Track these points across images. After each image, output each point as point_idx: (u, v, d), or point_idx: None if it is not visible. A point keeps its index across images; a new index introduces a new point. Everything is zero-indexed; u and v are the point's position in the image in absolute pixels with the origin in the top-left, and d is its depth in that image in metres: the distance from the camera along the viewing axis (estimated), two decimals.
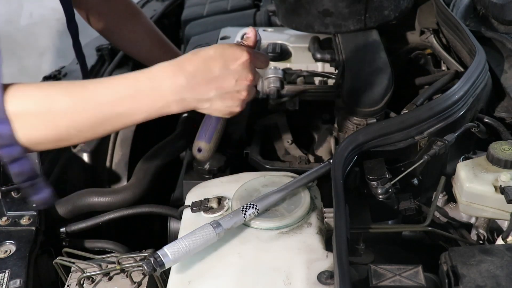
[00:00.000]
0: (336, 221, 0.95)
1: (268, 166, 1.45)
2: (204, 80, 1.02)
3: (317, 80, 1.66)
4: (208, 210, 1.11)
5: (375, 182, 1.12)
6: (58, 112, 1.00)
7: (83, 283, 1.13)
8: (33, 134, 1.01)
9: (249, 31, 1.14)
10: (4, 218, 1.25)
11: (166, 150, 1.48)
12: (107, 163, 1.68)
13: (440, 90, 1.37)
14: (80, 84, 1.04)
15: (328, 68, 1.66)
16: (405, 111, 1.28)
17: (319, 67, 1.68)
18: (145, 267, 0.94)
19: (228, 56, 1.02)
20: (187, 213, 1.14)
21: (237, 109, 1.08)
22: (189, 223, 1.11)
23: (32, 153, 1.36)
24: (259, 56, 1.09)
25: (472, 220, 1.20)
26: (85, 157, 1.60)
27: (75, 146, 1.61)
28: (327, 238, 1.03)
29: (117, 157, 1.70)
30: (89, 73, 1.71)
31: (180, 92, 1.02)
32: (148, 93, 1.02)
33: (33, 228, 1.22)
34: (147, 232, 1.67)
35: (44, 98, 1.00)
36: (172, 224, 1.38)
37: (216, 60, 1.02)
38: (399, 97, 1.38)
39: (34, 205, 1.24)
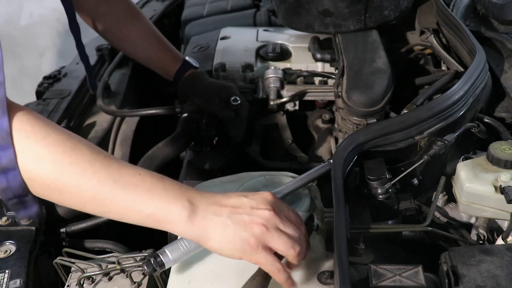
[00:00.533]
0: (336, 221, 0.95)
1: (268, 166, 1.45)
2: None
3: (317, 80, 1.66)
4: None
5: (375, 182, 1.12)
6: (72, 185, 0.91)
7: (83, 283, 1.13)
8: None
9: None
10: (4, 218, 1.25)
11: (166, 150, 1.47)
12: None
13: (440, 90, 1.37)
14: (108, 166, 0.92)
15: (328, 68, 1.66)
16: (405, 111, 1.28)
17: (319, 67, 1.68)
18: (145, 268, 0.94)
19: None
20: None
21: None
22: None
23: None
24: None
25: (472, 220, 1.20)
26: None
27: None
28: (327, 238, 1.03)
29: (117, 157, 1.70)
30: (93, 73, 1.71)
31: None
32: (156, 223, 0.95)
33: (33, 228, 1.22)
34: (147, 232, 1.67)
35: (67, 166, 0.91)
36: None
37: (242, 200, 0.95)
38: (399, 97, 1.38)
39: (21, 221, 1.20)
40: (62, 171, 0.90)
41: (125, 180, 0.92)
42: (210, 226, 0.90)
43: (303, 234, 0.94)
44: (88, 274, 1.13)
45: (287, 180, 1.15)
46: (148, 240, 1.47)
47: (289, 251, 0.90)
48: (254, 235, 0.89)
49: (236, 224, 0.89)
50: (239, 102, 1.45)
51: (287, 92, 1.63)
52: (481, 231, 1.14)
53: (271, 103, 1.62)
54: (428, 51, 1.62)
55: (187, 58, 1.58)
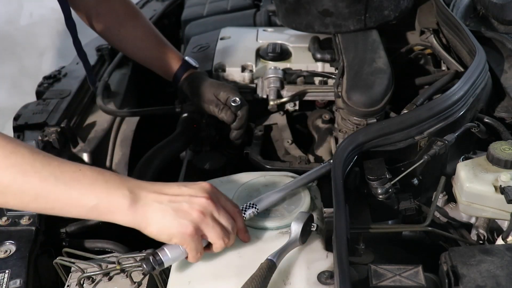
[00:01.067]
0: (336, 221, 0.95)
1: (268, 166, 1.45)
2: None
3: (317, 80, 1.66)
4: None
5: (375, 182, 1.12)
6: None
7: (83, 283, 1.13)
8: None
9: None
10: (4, 218, 1.25)
11: (166, 150, 1.47)
12: (107, 163, 1.68)
13: (440, 90, 1.37)
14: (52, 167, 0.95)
15: (328, 68, 1.66)
16: (405, 111, 1.28)
17: (319, 67, 1.68)
18: (144, 266, 0.94)
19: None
20: None
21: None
22: None
23: None
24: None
25: (472, 220, 1.20)
26: (85, 157, 1.60)
27: (75, 146, 1.61)
28: (327, 238, 1.03)
29: (117, 157, 1.70)
30: (92, 71, 1.70)
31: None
32: (99, 214, 0.97)
33: (33, 228, 1.22)
34: None
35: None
36: None
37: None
38: (399, 97, 1.38)
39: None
40: (3, 173, 0.92)
41: (67, 176, 0.95)
42: (150, 212, 0.95)
43: (236, 225, 1.00)
44: (88, 274, 1.13)
45: (287, 180, 1.16)
46: (148, 240, 1.47)
47: (218, 242, 0.97)
48: (192, 222, 0.94)
49: (175, 211, 0.94)
50: (239, 103, 1.45)
51: (287, 92, 1.63)
52: (481, 231, 1.14)
53: (271, 103, 1.62)
54: (428, 51, 1.62)
55: (186, 58, 1.58)
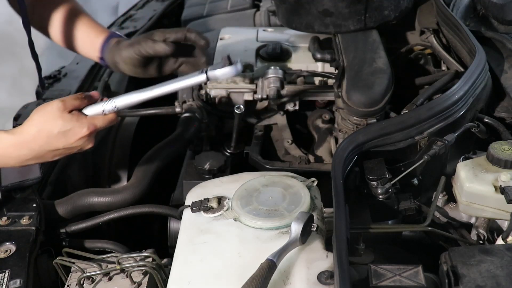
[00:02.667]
0: (336, 221, 0.95)
1: (268, 166, 1.45)
2: (48, 153, 1.15)
3: (317, 80, 1.66)
4: (208, 210, 1.11)
5: (375, 182, 1.12)
6: None
7: (83, 283, 1.13)
8: None
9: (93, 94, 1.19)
10: (4, 218, 1.25)
11: (166, 150, 1.48)
12: (107, 163, 1.68)
13: (440, 90, 1.37)
14: None
15: (328, 68, 1.66)
16: (405, 111, 1.28)
17: (319, 67, 1.68)
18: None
19: (71, 135, 1.13)
20: (187, 213, 1.14)
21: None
22: (189, 223, 1.11)
23: None
24: (99, 122, 1.16)
25: (472, 220, 1.20)
26: (85, 157, 1.60)
27: None
28: (327, 238, 1.03)
29: (117, 157, 1.70)
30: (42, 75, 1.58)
31: (24, 161, 1.16)
32: None
33: (33, 228, 1.22)
34: (147, 232, 1.67)
35: None
36: (172, 224, 1.38)
37: (59, 140, 1.13)
38: (399, 97, 1.38)
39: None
40: None
41: None
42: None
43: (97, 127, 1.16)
44: (88, 274, 1.13)
45: (287, 180, 1.16)
46: (148, 240, 1.47)
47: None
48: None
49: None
50: (243, 110, 1.45)
51: (287, 92, 1.63)
52: (481, 231, 1.14)
53: (271, 103, 1.62)
54: (428, 51, 1.62)
55: (113, 30, 1.46)
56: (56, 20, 1.45)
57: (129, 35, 2.22)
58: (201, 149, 1.63)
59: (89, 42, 1.43)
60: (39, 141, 1.13)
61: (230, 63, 1.16)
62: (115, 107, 1.17)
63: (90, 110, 1.16)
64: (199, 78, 1.17)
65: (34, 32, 1.47)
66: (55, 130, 1.12)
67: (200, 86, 1.66)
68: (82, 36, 1.44)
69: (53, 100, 1.14)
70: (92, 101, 1.17)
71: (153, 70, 1.40)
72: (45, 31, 1.50)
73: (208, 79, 1.16)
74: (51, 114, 1.12)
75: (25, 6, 1.35)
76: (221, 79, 1.14)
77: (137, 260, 1.13)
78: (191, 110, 1.61)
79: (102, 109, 1.16)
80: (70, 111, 1.14)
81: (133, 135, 1.75)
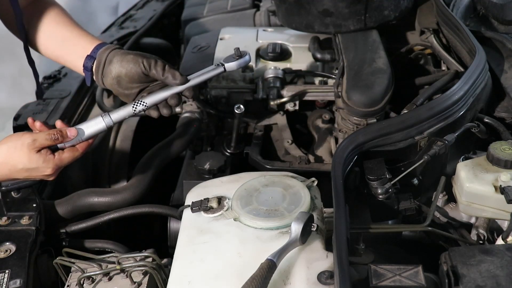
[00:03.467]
0: (336, 221, 0.95)
1: (268, 166, 1.45)
2: (8, 179, 1.17)
3: (317, 80, 1.66)
4: (208, 210, 1.11)
5: (375, 182, 1.12)
6: None
7: (83, 283, 1.13)
8: None
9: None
10: (4, 218, 1.25)
11: (166, 150, 1.48)
12: (107, 163, 1.68)
13: (440, 90, 1.37)
14: None
15: (328, 68, 1.66)
16: (405, 111, 1.28)
17: (319, 67, 1.68)
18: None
19: (33, 172, 1.15)
20: (187, 213, 1.14)
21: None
22: (189, 223, 1.11)
23: None
24: (66, 159, 1.17)
25: (472, 220, 1.20)
26: (85, 157, 1.60)
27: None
28: (327, 238, 1.03)
29: (117, 157, 1.70)
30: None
31: None
32: None
33: (33, 228, 1.22)
34: (147, 232, 1.67)
35: None
36: (172, 224, 1.38)
37: (21, 174, 1.14)
38: (399, 97, 1.38)
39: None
40: None
41: None
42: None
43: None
44: (88, 274, 1.13)
45: (287, 180, 1.16)
46: (148, 240, 1.47)
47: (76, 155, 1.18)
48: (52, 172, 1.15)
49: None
50: (243, 110, 1.45)
51: (287, 92, 1.63)
52: (481, 231, 1.14)
53: (271, 103, 1.62)
54: (428, 51, 1.62)
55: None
56: (42, 29, 1.35)
57: (129, 35, 2.23)
58: (201, 149, 1.63)
59: (80, 46, 1.30)
60: (1, 171, 1.14)
61: (241, 54, 1.20)
62: (144, 104, 1.18)
63: (87, 126, 1.18)
64: (217, 70, 1.20)
65: None
66: (19, 166, 1.13)
67: (200, 87, 1.66)
68: (72, 48, 1.32)
69: (25, 134, 1.13)
70: (65, 141, 1.15)
71: (135, 89, 1.22)
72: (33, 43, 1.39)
73: (225, 70, 1.20)
74: (19, 149, 1.12)
75: (20, 11, 1.32)
76: (236, 69, 1.20)
77: (137, 260, 1.13)
78: (191, 110, 1.61)
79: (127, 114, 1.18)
80: (39, 150, 1.13)
81: (133, 135, 1.75)
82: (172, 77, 1.17)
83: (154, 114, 1.21)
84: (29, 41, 1.37)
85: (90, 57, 1.25)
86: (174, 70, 1.18)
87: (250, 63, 1.68)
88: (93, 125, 1.17)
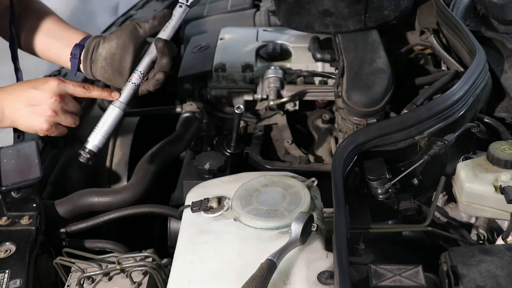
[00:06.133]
0: (336, 221, 0.95)
1: (268, 166, 1.45)
2: (16, 103, 1.22)
3: (317, 80, 1.66)
4: (208, 210, 1.11)
5: (375, 182, 1.12)
6: None
7: (83, 283, 1.13)
8: None
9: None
10: (4, 218, 1.25)
11: (166, 150, 1.47)
12: (107, 163, 1.68)
13: (440, 90, 1.37)
14: None
15: (328, 68, 1.66)
16: (405, 111, 1.28)
17: (319, 67, 1.68)
18: (81, 160, 1.21)
19: (41, 82, 1.22)
20: (187, 213, 1.14)
21: (43, 126, 1.23)
22: (189, 223, 1.11)
23: (32, 153, 1.36)
24: (71, 82, 1.23)
25: (472, 220, 1.20)
26: None
27: (74, 146, 1.61)
28: (327, 238, 1.03)
29: (117, 157, 1.70)
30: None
31: None
32: None
33: (33, 228, 1.22)
34: (147, 232, 1.67)
35: None
36: (172, 224, 1.38)
37: (29, 84, 1.22)
38: (399, 97, 1.38)
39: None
40: None
41: None
42: (15, 120, 1.23)
43: (80, 109, 1.28)
44: (88, 274, 1.13)
45: (287, 180, 1.16)
46: (148, 240, 1.47)
47: (72, 125, 1.26)
48: (47, 120, 1.21)
49: (34, 115, 1.21)
50: (243, 109, 1.44)
51: (287, 92, 1.63)
52: (481, 231, 1.14)
53: (271, 103, 1.62)
54: (428, 51, 1.62)
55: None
56: (30, 25, 1.35)
57: None
58: (201, 149, 1.63)
59: (67, 37, 1.30)
60: (10, 88, 1.23)
61: None
62: (139, 73, 1.22)
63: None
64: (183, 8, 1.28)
65: None
66: (27, 83, 1.23)
67: (200, 87, 1.66)
68: (60, 42, 1.31)
69: None
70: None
71: (128, 63, 1.22)
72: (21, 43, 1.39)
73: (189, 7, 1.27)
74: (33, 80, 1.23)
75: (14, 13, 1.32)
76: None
77: (137, 260, 1.13)
78: (191, 110, 1.61)
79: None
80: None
81: (133, 135, 1.75)
82: (162, 16, 1.26)
83: (150, 85, 1.24)
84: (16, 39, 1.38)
85: (79, 45, 1.26)
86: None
87: (250, 63, 1.68)
88: (110, 115, 1.23)
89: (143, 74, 1.22)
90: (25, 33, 1.36)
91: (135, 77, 1.22)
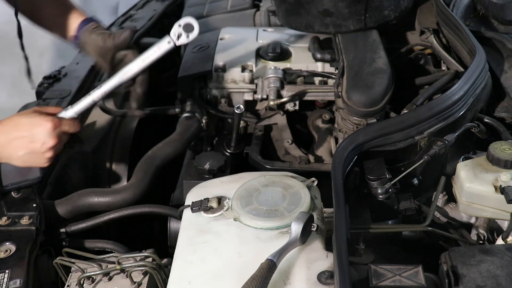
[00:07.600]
0: (336, 221, 0.95)
1: (268, 166, 1.45)
2: (12, 141, 1.23)
3: (317, 80, 1.66)
4: (208, 210, 1.12)
5: (375, 182, 1.12)
6: None
7: (83, 283, 1.13)
8: None
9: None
10: (4, 218, 1.25)
11: (166, 150, 1.47)
12: (107, 163, 1.68)
13: (440, 90, 1.37)
14: None
15: (328, 68, 1.66)
16: (405, 111, 1.28)
17: (319, 67, 1.68)
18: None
19: (36, 121, 1.24)
20: (187, 213, 1.14)
21: (45, 165, 1.29)
22: (189, 223, 1.11)
23: None
24: (65, 122, 1.28)
25: (472, 220, 1.20)
26: (85, 157, 1.60)
27: (73, 147, 1.61)
28: (327, 238, 1.03)
29: (117, 157, 1.70)
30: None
31: None
32: None
33: (33, 228, 1.22)
34: (147, 232, 1.67)
35: None
36: (172, 224, 1.38)
37: (25, 122, 1.23)
38: (399, 97, 1.38)
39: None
40: None
41: None
42: (13, 162, 1.26)
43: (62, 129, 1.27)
44: (88, 274, 1.13)
45: (287, 180, 1.16)
46: (148, 240, 1.47)
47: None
48: (49, 159, 1.26)
49: (33, 158, 1.25)
50: (243, 109, 1.45)
51: (287, 92, 1.63)
52: (481, 231, 1.14)
53: (271, 103, 1.61)
54: (428, 51, 1.62)
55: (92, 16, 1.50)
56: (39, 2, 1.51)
57: None
58: (201, 149, 1.63)
59: (67, 21, 1.47)
60: (6, 127, 1.23)
61: (192, 27, 1.28)
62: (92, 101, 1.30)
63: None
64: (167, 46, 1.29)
65: (34, 31, 1.47)
66: (22, 118, 1.24)
67: (200, 87, 1.66)
68: (61, 22, 1.48)
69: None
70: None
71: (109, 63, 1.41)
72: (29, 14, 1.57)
73: (176, 46, 1.28)
74: (23, 114, 1.26)
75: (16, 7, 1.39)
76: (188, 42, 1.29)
77: (137, 260, 1.13)
78: (191, 110, 1.61)
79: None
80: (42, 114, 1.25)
81: (133, 135, 1.75)
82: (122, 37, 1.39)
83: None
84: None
85: (76, 37, 1.44)
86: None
87: (250, 63, 1.68)
88: (83, 101, 1.29)
89: (106, 93, 1.29)
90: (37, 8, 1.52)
91: (97, 94, 1.29)
